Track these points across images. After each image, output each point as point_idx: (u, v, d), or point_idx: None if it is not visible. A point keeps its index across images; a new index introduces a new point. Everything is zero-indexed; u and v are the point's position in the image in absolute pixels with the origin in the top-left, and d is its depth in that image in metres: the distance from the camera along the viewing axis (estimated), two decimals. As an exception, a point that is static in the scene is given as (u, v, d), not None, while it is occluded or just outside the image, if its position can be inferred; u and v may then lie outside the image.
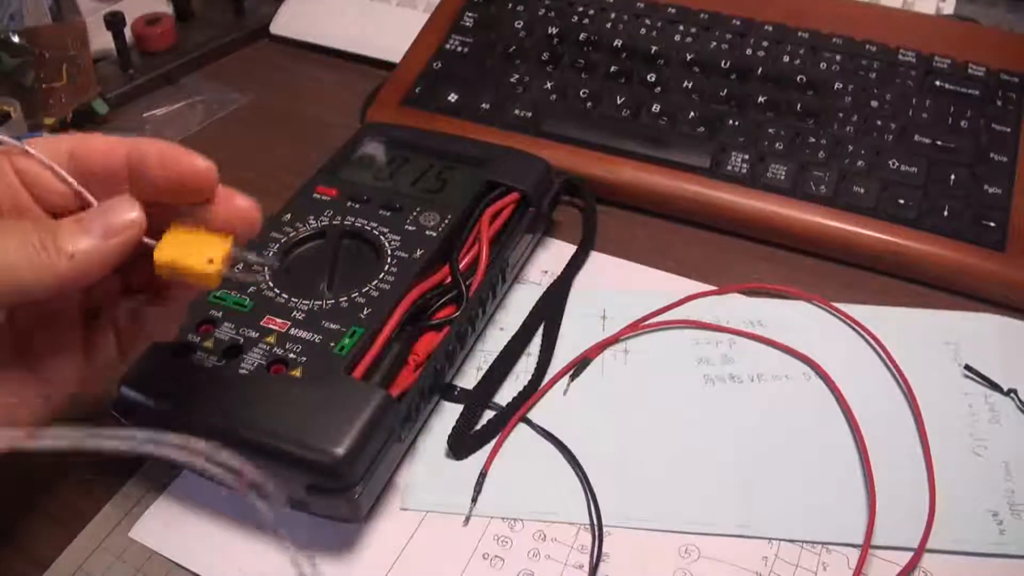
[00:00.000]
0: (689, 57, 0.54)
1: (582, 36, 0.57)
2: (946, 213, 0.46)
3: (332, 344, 0.35)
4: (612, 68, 0.54)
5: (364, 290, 0.38)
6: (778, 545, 0.34)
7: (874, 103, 0.51)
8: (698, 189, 0.48)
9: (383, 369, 0.36)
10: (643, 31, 0.57)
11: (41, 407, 0.30)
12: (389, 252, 0.40)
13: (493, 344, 0.42)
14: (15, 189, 0.29)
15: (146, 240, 0.29)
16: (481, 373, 0.40)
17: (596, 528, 0.34)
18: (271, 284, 0.38)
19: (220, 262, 0.29)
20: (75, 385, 0.31)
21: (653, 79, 0.53)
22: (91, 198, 0.29)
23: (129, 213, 0.28)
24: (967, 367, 0.40)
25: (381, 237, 0.40)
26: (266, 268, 0.38)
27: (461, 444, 0.37)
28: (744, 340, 0.42)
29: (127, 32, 0.61)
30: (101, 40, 0.60)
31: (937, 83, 0.52)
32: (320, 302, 0.37)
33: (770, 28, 0.56)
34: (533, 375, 0.40)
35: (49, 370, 0.30)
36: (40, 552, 0.34)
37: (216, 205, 0.30)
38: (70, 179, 0.29)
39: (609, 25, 0.57)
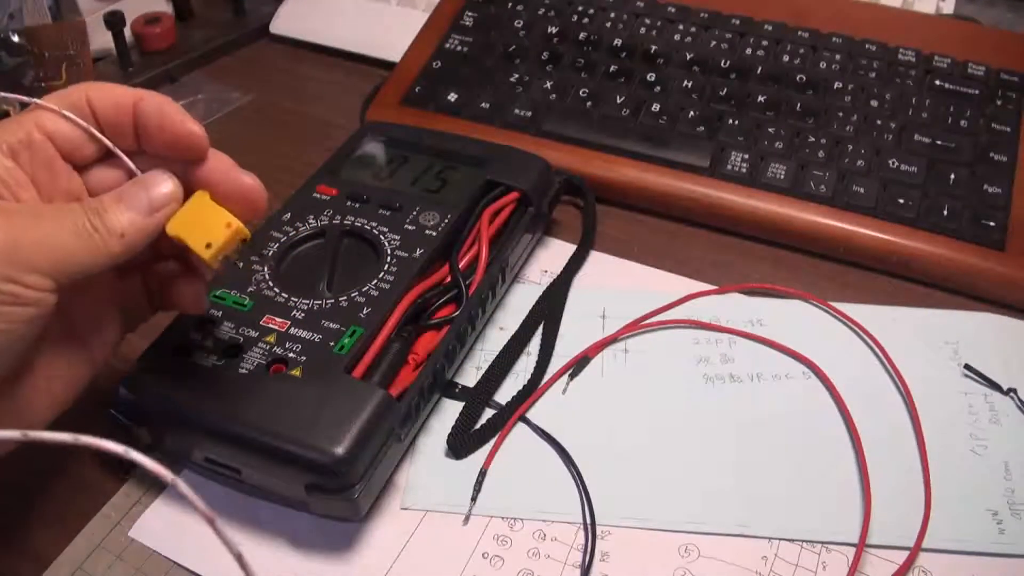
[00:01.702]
0: (689, 56, 0.54)
1: (582, 35, 0.57)
2: (946, 213, 0.46)
3: (332, 343, 0.35)
4: (612, 68, 0.54)
5: (364, 289, 0.38)
6: (778, 544, 0.34)
7: (874, 102, 0.51)
8: (698, 189, 0.48)
9: (383, 368, 0.36)
10: (643, 30, 0.57)
11: (87, 371, 0.32)
12: (389, 251, 0.40)
13: (493, 343, 0.42)
14: (46, 150, 0.30)
15: None
16: (481, 372, 0.40)
17: (590, 527, 0.34)
18: (271, 283, 0.38)
19: (217, 249, 0.30)
20: (112, 350, 0.33)
21: (653, 78, 0.53)
22: (132, 165, 0.31)
23: (167, 186, 0.30)
24: (967, 366, 0.40)
25: (381, 236, 0.40)
26: (265, 267, 0.39)
27: (461, 443, 0.37)
28: (743, 340, 0.42)
29: (127, 31, 0.61)
30: (101, 39, 0.60)
31: (937, 82, 0.52)
32: (320, 301, 0.37)
33: (770, 27, 0.56)
34: (533, 374, 0.40)
35: (90, 335, 0.32)
36: (40, 552, 0.34)
37: (219, 177, 0.31)
38: (108, 143, 0.31)
39: (609, 24, 0.57)
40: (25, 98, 0.30)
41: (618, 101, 0.52)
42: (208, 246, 0.29)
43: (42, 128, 0.30)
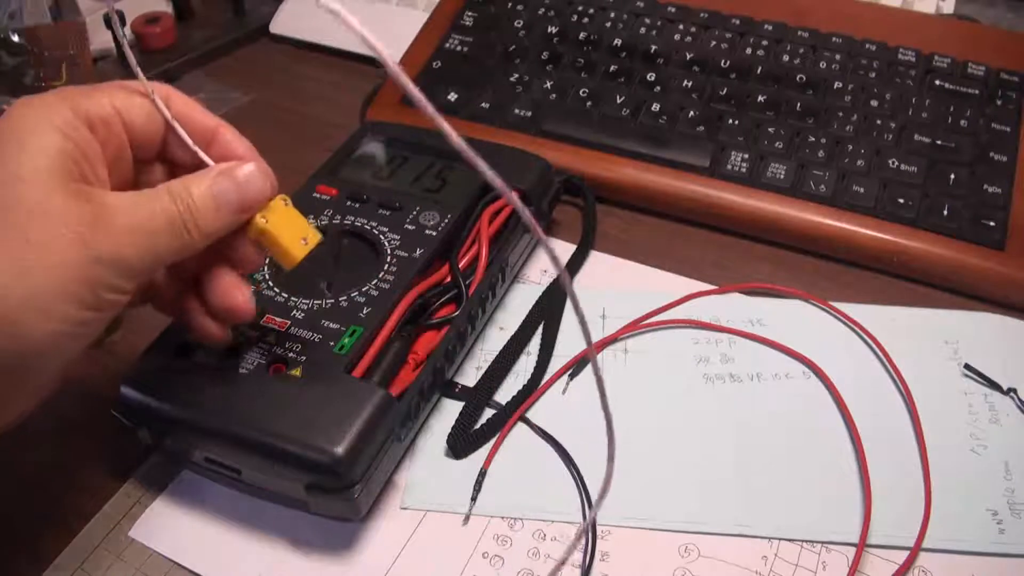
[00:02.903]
0: (689, 56, 0.54)
1: (582, 35, 0.57)
2: (946, 212, 0.46)
3: (332, 343, 0.35)
4: (612, 67, 0.54)
5: (364, 289, 0.38)
6: (778, 544, 0.34)
7: (874, 102, 0.51)
8: (698, 188, 0.48)
9: (383, 368, 0.36)
10: (643, 30, 0.57)
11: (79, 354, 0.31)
12: (389, 251, 0.40)
13: (493, 343, 0.42)
14: (122, 140, 0.29)
15: None
16: (481, 372, 0.40)
17: (590, 527, 0.34)
18: (271, 283, 0.38)
19: (312, 245, 0.32)
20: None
21: (653, 78, 0.53)
22: (208, 160, 0.30)
23: (263, 184, 0.30)
24: (967, 366, 0.40)
25: (381, 236, 0.40)
26: (265, 267, 0.39)
27: (461, 443, 0.37)
28: (743, 340, 0.42)
29: (127, 31, 0.61)
30: (101, 39, 0.60)
31: (937, 82, 0.52)
32: (320, 301, 0.37)
33: (770, 27, 0.56)
34: (532, 374, 0.40)
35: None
36: (40, 552, 0.34)
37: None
38: (189, 140, 0.30)
39: (609, 24, 0.57)
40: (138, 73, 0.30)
41: (618, 101, 0.52)
42: (304, 243, 0.31)
43: (120, 113, 0.29)
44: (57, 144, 0.26)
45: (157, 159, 0.31)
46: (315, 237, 0.32)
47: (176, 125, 0.30)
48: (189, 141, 0.30)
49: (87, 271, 0.25)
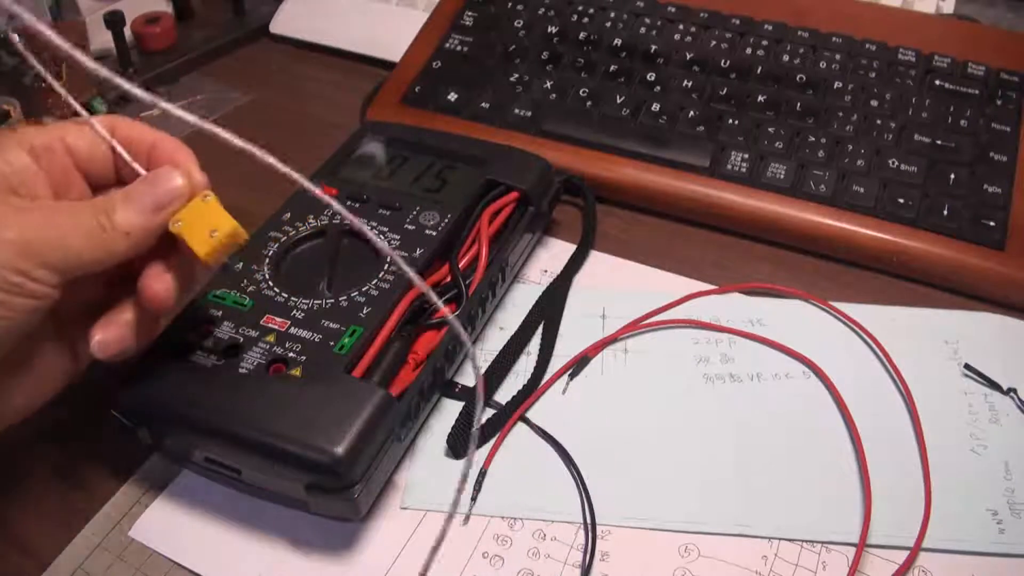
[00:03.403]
0: (689, 56, 0.54)
1: (582, 35, 0.57)
2: (946, 212, 0.46)
3: (332, 343, 0.35)
4: (612, 67, 0.54)
5: (364, 289, 0.38)
6: (778, 544, 0.34)
7: (874, 102, 0.51)
8: (698, 188, 0.48)
9: (383, 368, 0.36)
10: (643, 30, 0.57)
11: (70, 369, 0.33)
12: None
13: (493, 343, 0.42)
14: (64, 159, 0.32)
15: None
16: (481, 372, 0.40)
17: (590, 527, 0.34)
18: (271, 283, 0.38)
19: (213, 250, 0.31)
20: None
21: (653, 78, 0.53)
22: (141, 170, 0.32)
23: (175, 181, 0.31)
24: (967, 366, 0.40)
25: (381, 236, 0.40)
26: (265, 267, 0.39)
27: (461, 443, 0.37)
28: (743, 340, 0.42)
29: (127, 31, 0.61)
30: (101, 39, 0.60)
31: (937, 82, 0.52)
32: (320, 301, 0.37)
33: (770, 27, 0.56)
34: (532, 374, 0.40)
35: (77, 333, 0.33)
36: (40, 552, 0.34)
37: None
38: (127, 156, 0.32)
39: (609, 24, 0.57)
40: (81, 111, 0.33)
41: (618, 101, 0.52)
42: (212, 236, 0.31)
43: (63, 140, 0.32)
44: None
45: (116, 183, 0.33)
46: (226, 229, 0.31)
47: (112, 141, 0.32)
48: (119, 148, 0.32)
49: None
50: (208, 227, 0.31)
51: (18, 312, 0.28)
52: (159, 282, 0.31)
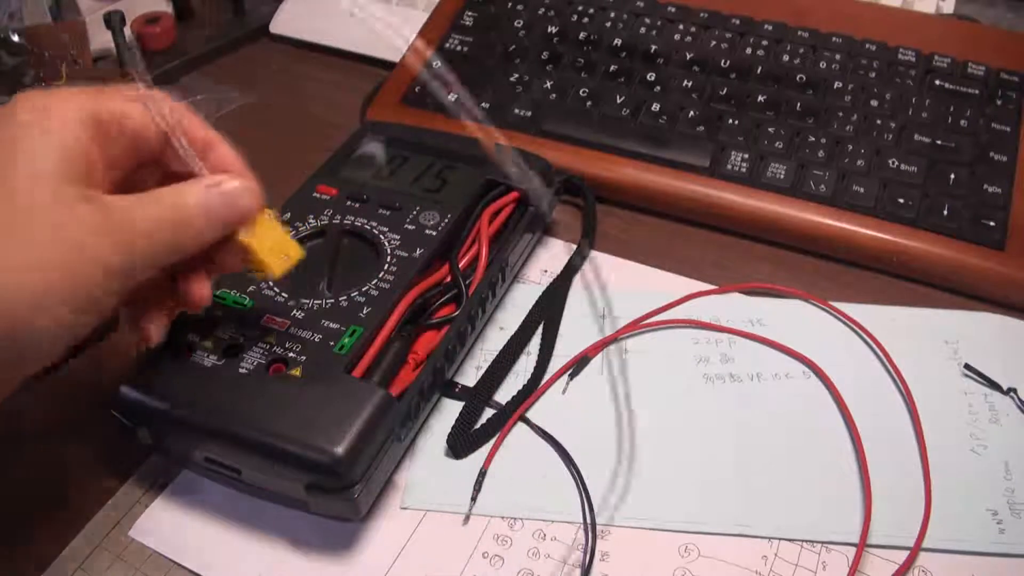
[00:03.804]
0: (689, 56, 0.54)
1: (582, 35, 0.57)
2: (946, 212, 0.46)
3: (332, 343, 0.35)
4: (612, 67, 0.54)
5: (364, 289, 0.38)
6: (778, 544, 0.34)
7: (874, 102, 0.51)
8: (698, 188, 0.48)
9: (383, 368, 0.36)
10: (643, 30, 0.57)
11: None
12: (389, 251, 0.40)
13: (493, 343, 0.42)
14: (121, 144, 0.30)
15: None
16: (481, 372, 0.40)
17: (590, 527, 0.34)
18: (271, 283, 0.38)
19: (290, 264, 0.33)
20: None
21: (653, 78, 0.53)
22: (204, 171, 0.31)
23: (251, 203, 0.31)
24: (967, 366, 0.40)
25: (381, 236, 0.40)
26: None
27: (461, 443, 0.37)
28: (743, 340, 0.42)
29: (127, 31, 0.61)
30: (101, 39, 0.60)
31: (937, 82, 0.52)
32: (320, 301, 0.37)
33: (770, 27, 0.56)
34: (532, 374, 0.40)
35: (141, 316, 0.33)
36: (40, 552, 0.34)
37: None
38: (188, 151, 0.31)
39: (609, 24, 0.57)
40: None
41: (618, 101, 0.52)
42: (285, 259, 0.33)
43: (122, 115, 0.30)
44: (69, 145, 0.27)
45: (151, 163, 0.32)
46: (297, 253, 0.33)
47: (176, 135, 0.31)
48: (189, 152, 0.31)
49: (85, 276, 0.26)
50: (277, 247, 0.33)
51: (89, 327, 0.27)
52: (203, 287, 0.32)
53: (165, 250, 0.29)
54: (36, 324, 0.25)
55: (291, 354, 0.35)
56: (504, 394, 0.39)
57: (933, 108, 0.50)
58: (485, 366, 0.40)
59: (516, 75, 0.55)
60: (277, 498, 0.35)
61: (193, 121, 0.32)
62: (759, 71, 0.53)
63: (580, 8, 0.58)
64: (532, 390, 0.39)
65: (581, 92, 0.53)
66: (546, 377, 0.40)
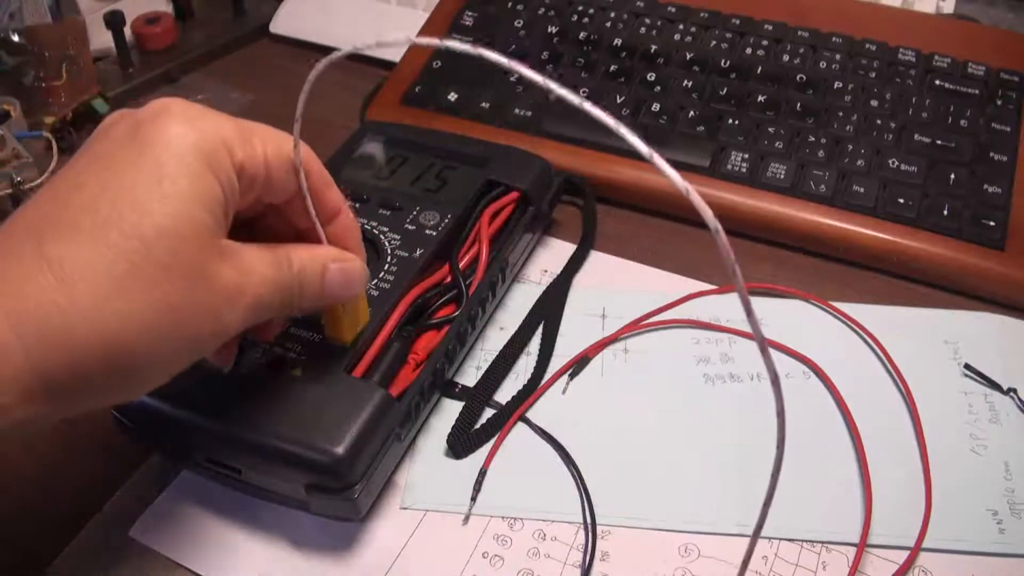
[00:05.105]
0: (689, 56, 0.54)
1: (582, 35, 0.57)
2: (946, 212, 0.46)
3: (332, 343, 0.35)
4: (612, 67, 0.54)
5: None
6: (778, 544, 0.34)
7: (874, 102, 0.51)
8: (698, 188, 0.48)
9: (383, 368, 0.36)
10: (643, 30, 0.57)
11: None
12: (389, 251, 0.40)
13: (493, 343, 0.42)
14: (256, 193, 0.29)
15: None
16: (481, 372, 0.40)
17: (590, 527, 0.34)
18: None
19: (363, 327, 0.35)
20: None
21: (653, 78, 0.53)
22: (322, 234, 0.31)
23: (363, 284, 0.33)
24: (967, 366, 0.40)
25: (381, 236, 0.40)
26: None
27: (461, 443, 0.37)
28: (744, 339, 0.42)
29: (127, 31, 0.61)
30: (101, 39, 0.60)
31: (937, 82, 0.52)
32: (320, 301, 0.37)
33: (770, 27, 0.56)
34: (532, 374, 0.40)
35: None
36: (40, 552, 0.34)
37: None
38: (316, 220, 0.31)
39: (609, 24, 0.57)
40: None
41: (618, 101, 0.52)
42: (359, 327, 0.35)
43: (268, 165, 0.28)
44: (214, 196, 0.26)
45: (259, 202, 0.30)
46: (366, 319, 0.35)
47: (310, 202, 0.30)
48: (316, 221, 0.31)
49: (210, 339, 0.27)
50: (359, 320, 0.35)
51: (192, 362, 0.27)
52: (279, 328, 0.34)
53: (277, 311, 0.29)
54: (143, 366, 0.25)
55: (291, 354, 0.35)
56: (504, 394, 0.39)
57: (933, 108, 0.50)
58: (485, 366, 0.40)
59: (516, 75, 0.55)
60: (277, 498, 0.35)
61: (328, 184, 0.31)
62: (759, 71, 0.53)
63: (580, 8, 0.58)
64: (532, 390, 0.39)
65: (581, 92, 0.53)
66: (546, 377, 0.40)
